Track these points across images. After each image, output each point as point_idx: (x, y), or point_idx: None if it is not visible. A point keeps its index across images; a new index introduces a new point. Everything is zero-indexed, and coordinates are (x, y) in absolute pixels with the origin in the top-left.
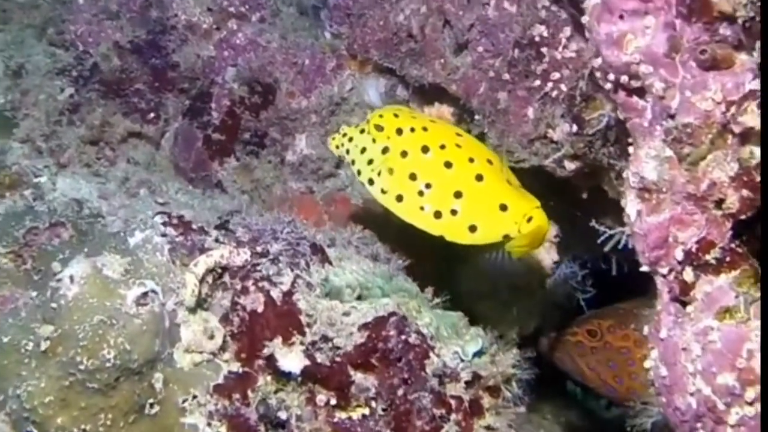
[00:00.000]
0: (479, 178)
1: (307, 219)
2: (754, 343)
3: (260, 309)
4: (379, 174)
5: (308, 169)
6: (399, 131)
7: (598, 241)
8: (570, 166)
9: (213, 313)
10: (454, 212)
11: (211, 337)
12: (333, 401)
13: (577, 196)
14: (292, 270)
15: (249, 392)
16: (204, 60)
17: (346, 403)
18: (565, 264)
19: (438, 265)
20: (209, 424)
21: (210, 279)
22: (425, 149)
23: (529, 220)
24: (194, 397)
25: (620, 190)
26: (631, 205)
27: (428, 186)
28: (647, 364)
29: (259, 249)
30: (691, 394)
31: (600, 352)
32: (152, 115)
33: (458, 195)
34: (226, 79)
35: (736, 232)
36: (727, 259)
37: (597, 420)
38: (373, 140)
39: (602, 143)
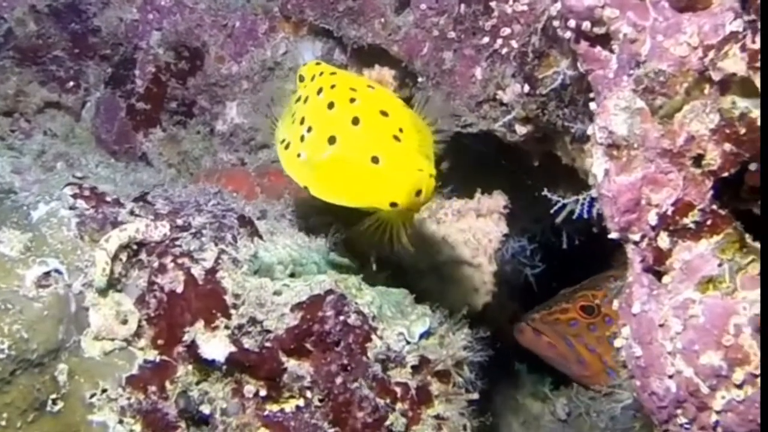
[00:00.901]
0: (355, 121)
1: (237, 192)
2: (742, 317)
3: (179, 289)
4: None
5: (240, 140)
6: (312, 78)
7: (551, 211)
8: (521, 130)
9: (127, 294)
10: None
11: (125, 321)
12: (263, 392)
13: (528, 164)
14: (216, 245)
15: (167, 384)
16: (127, 24)
17: (278, 394)
18: (513, 238)
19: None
20: (121, 422)
21: (124, 256)
22: (319, 91)
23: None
24: (104, 390)
25: (575, 156)
26: (598, 163)
27: (309, 130)
28: (618, 343)
29: (179, 222)
30: (670, 377)
31: (600, 327)
32: (71, 83)
33: (332, 140)
34: (150, 44)
35: (717, 192)
36: (708, 222)
37: (546, 400)
38: (296, 91)
39: (556, 104)
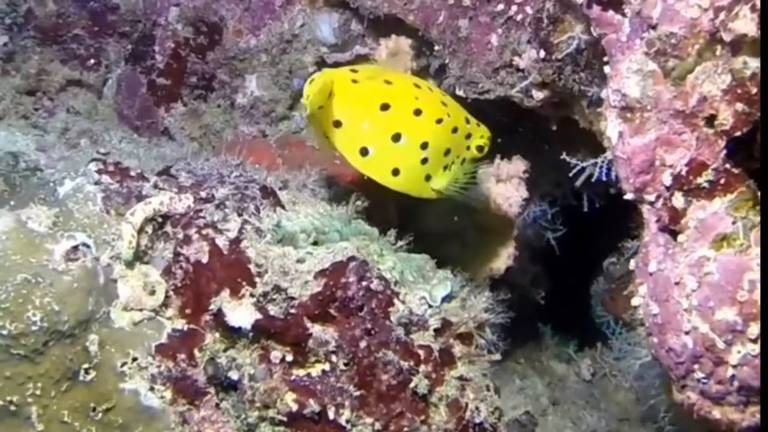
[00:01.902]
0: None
1: (259, 163)
2: (757, 273)
3: (205, 259)
4: None
5: (260, 112)
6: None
7: (570, 175)
8: (538, 95)
9: (154, 266)
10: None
11: (152, 292)
12: (289, 357)
13: (547, 128)
14: (239, 215)
15: (196, 351)
16: (145, 1)
17: (304, 359)
18: (534, 202)
19: (400, 207)
20: (152, 389)
21: (150, 229)
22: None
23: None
24: (134, 359)
25: (592, 120)
26: (612, 126)
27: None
28: (635, 301)
29: (203, 194)
30: (687, 333)
31: None
32: (92, 61)
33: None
34: (169, 20)
35: (730, 151)
36: (722, 181)
37: (570, 361)
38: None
39: (572, 69)
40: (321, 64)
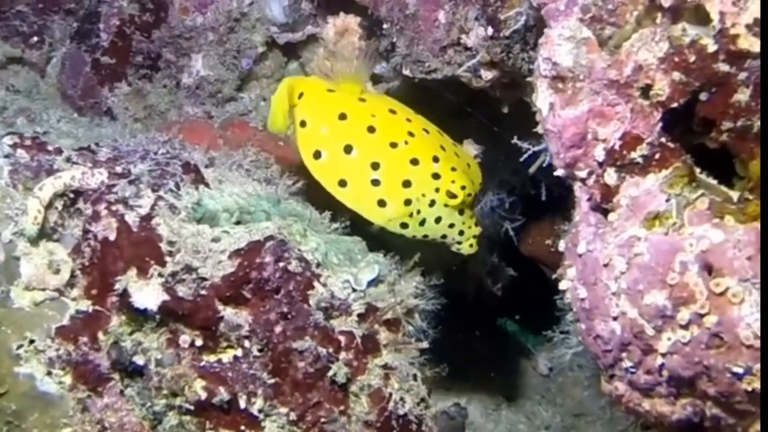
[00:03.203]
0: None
1: (199, 144)
2: (688, 255)
3: (112, 237)
4: None
5: (206, 92)
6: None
7: (521, 160)
8: (487, 75)
9: (62, 244)
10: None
11: (57, 271)
12: (199, 342)
13: (499, 111)
14: (154, 191)
15: (100, 335)
16: None
17: (215, 344)
18: (492, 191)
19: None
20: (49, 373)
21: (60, 205)
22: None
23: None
24: (31, 341)
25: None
26: (542, 97)
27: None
28: (563, 285)
29: (118, 169)
30: (615, 319)
31: None
32: (35, 39)
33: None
34: None
35: (666, 124)
36: (657, 156)
37: (528, 355)
38: None
39: (521, 47)
40: (270, 44)
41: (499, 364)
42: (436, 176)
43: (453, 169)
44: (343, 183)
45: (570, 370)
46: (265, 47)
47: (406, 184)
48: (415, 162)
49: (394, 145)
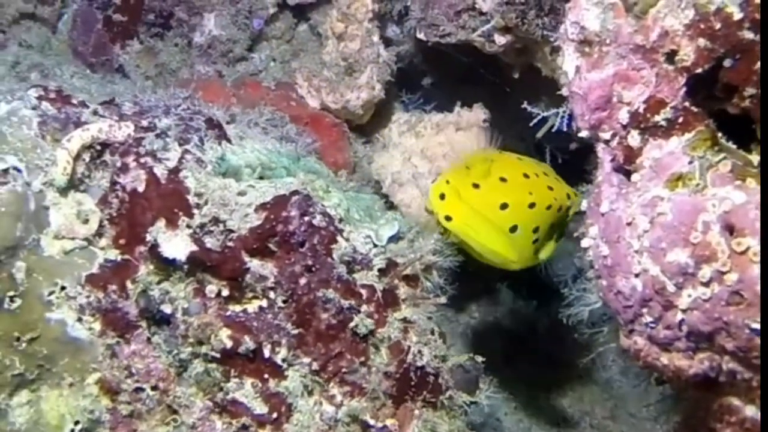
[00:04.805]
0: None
1: (212, 102)
2: (711, 215)
3: (141, 188)
4: None
5: (218, 52)
6: None
7: (531, 125)
8: (500, 40)
9: (90, 195)
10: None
11: (86, 221)
12: (225, 292)
13: (509, 77)
14: (180, 145)
15: (128, 283)
16: None
17: (241, 295)
18: None
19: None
20: (80, 320)
21: (87, 157)
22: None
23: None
24: (62, 288)
25: (555, 68)
26: (569, 60)
27: None
28: (584, 243)
29: (144, 123)
30: (636, 275)
31: None
32: None
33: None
34: None
35: (690, 89)
36: (680, 119)
37: (525, 319)
38: None
39: (536, 13)
40: (282, 5)
41: (497, 328)
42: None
43: (575, 194)
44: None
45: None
46: (276, 8)
47: (552, 226)
48: (560, 209)
49: (549, 207)
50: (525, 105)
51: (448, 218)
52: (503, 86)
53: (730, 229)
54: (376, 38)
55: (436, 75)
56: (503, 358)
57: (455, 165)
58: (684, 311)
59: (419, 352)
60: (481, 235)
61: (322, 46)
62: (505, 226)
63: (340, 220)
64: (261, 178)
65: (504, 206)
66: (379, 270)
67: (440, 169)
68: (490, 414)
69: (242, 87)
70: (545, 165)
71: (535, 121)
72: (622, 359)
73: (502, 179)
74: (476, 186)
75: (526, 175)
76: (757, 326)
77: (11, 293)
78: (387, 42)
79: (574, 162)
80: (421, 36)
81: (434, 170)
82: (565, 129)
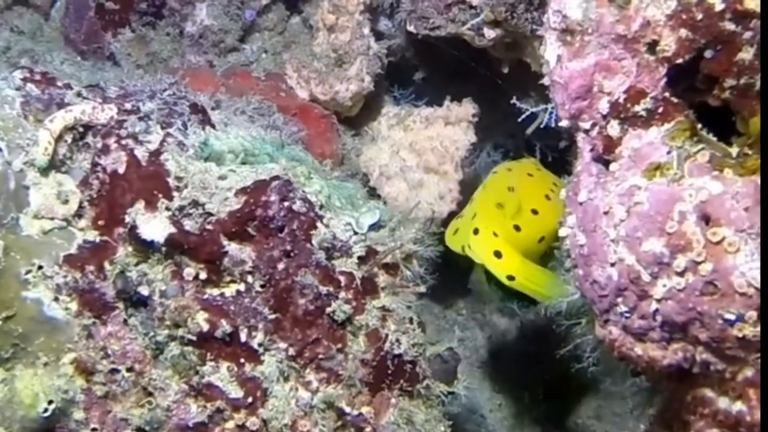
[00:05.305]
0: (484, 188)
1: (201, 91)
2: (687, 204)
3: (122, 170)
4: None
5: (209, 42)
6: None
7: (519, 120)
8: (490, 33)
9: (72, 176)
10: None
11: (65, 201)
12: (203, 275)
13: (498, 72)
14: (163, 128)
15: (106, 264)
16: None
17: (218, 278)
18: (487, 152)
19: (342, 140)
20: (56, 299)
21: (69, 138)
22: None
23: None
24: (39, 267)
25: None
26: (550, 49)
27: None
28: (562, 232)
29: (128, 106)
30: (612, 265)
31: None
32: None
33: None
34: None
35: (671, 80)
36: (660, 110)
37: (512, 317)
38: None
39: (525, 7)
40: None
41: (483, 323)
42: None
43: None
44: None
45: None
46: (268, 0)
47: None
48: None
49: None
50: (514, 101)
51: (510, 277)
52: (494, 79)
53: (706, 219)
54: (366, 30)
55: (427, 70)
56: (489, 355)
57: (485, 204)
58: (658, 301)
59: (397, 340)
60: (542, 287)
61: (312, 38)
62: (541, 252)
63: (321, 207)
64: (244, 164)
65: (541, 239)
66: (359, 257)
67: (429, 164)
68: (474, 410)
69: (232, 77)
70: (545, 172)
71: (523, 116)
72: (602, 355)
73: (534, 211)
74: (517, 228)
75: (547, 197)
76: (731, 317)
77: None
78: (378, 36)
79: (563, 160)
80: (411, 28)
81: (422, 164)
82: (553, 125)
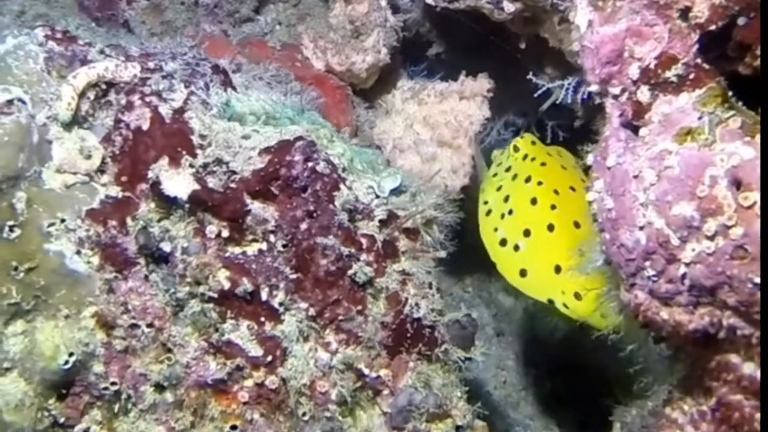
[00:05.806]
0: (551, 227)
1: (217, 57)
2: (719, 169)
3: (145, 126)
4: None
5: (224, 11)
6: (524, 157)
7: (535, 96)
8: (509, 7)
9: (94, 132)
10: (516, 248)
11: (88, 156)
12: (225, 233)
13: (516, 48)
14: (186, 87)
15: (128, 219)
16: None
17: (241, 237)
18: (498, 130)
19: (356, 112)
20: (78, 252)
21: (92, 95)
22: (528, 179)
23: (578, 297)
24: (62, 221)
25: (562, 38)
26: (581, 14)
27: (510, 212)
28: (589, 196)
29: (151, 65)
30: (641, 228)
31: None
32: None
33: (527, 233)
34: None
35: (702, 46)
36: (691, 76)
37: (519, 297)
38: (508, 158)
39: None
40: None
41: (489, 302)
42: None
43: None
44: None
45: None
46: None
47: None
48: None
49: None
50: (531, 76)
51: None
52: (512, 54)
53: (737, 184)
54: (384, 2)
55: (443, 45)
56: (495, 332)
57: (564, 226)
58: (687, 265)
59: (416, 304)
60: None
61: (329, 9)
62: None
63: (344, 169)
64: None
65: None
66: (380, 221)
67: (443, 138)
68: (480, 386)
69: (248, 46)
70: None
71: (539, 92)
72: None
73: (576, 224)
74: (577, 225)
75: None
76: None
77: (11, 222)
78: (395, 9)
79: (573, 141)
80: (430, 1)
81: (435, 138)
82: (569, 101)
